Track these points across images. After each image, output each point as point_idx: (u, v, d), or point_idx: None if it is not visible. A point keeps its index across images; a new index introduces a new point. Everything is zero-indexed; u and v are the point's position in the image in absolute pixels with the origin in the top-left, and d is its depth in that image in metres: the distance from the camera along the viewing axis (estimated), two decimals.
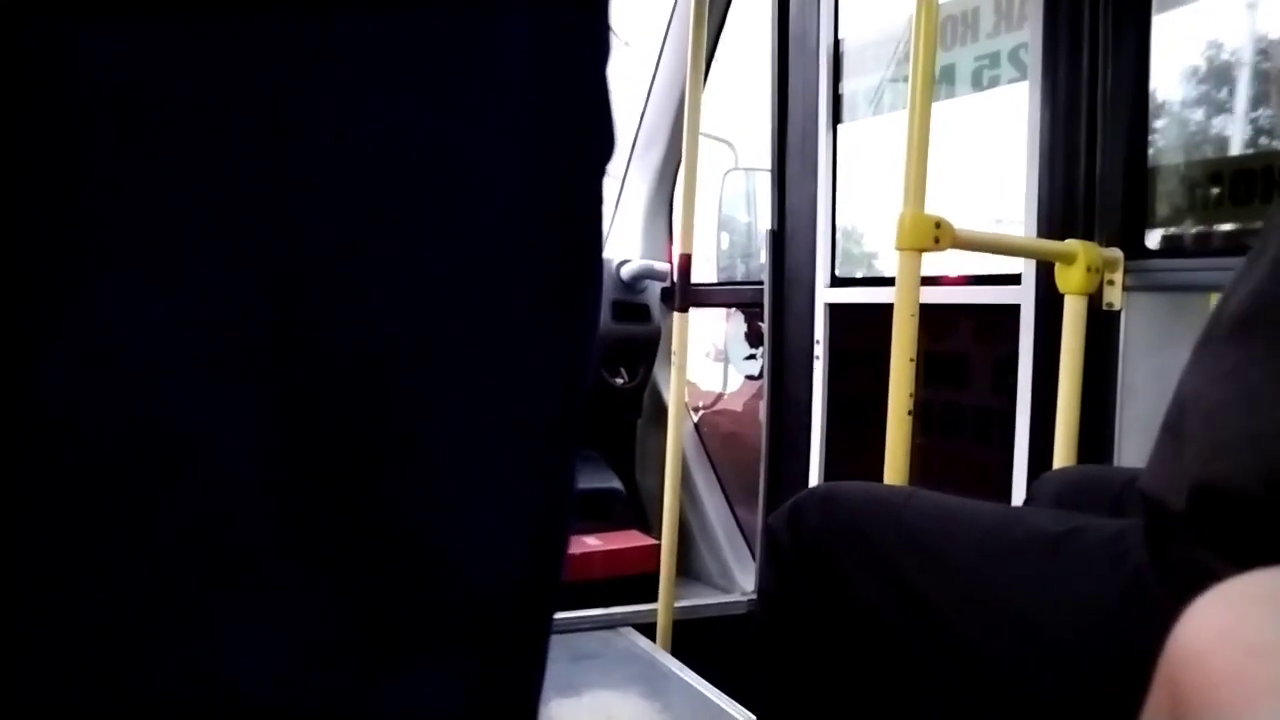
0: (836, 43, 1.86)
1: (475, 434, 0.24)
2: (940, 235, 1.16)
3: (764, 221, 2.08)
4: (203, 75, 0.20)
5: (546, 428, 0.26)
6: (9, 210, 0.19)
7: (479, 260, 0.24)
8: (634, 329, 2.21)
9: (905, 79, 1.29)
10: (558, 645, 0.30)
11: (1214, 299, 1.19)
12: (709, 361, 2.74)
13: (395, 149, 0.22)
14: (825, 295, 1.85)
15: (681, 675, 1.66)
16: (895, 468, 1.16)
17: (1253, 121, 1.29)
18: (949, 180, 1.48)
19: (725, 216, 2.40)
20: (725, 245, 2.43)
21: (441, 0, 0.22)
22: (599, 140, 0.27)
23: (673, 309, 1.91)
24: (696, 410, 2.51)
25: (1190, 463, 0.52)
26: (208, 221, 0.20)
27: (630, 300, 2.21)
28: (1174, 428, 0.55)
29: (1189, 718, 0.27)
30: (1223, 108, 1.31)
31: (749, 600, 2.03)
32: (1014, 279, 1.46)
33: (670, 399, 1.91)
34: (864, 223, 1.97)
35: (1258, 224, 1.24)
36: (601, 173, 0.27)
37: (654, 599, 1.87)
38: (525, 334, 0.25)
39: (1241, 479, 0.49)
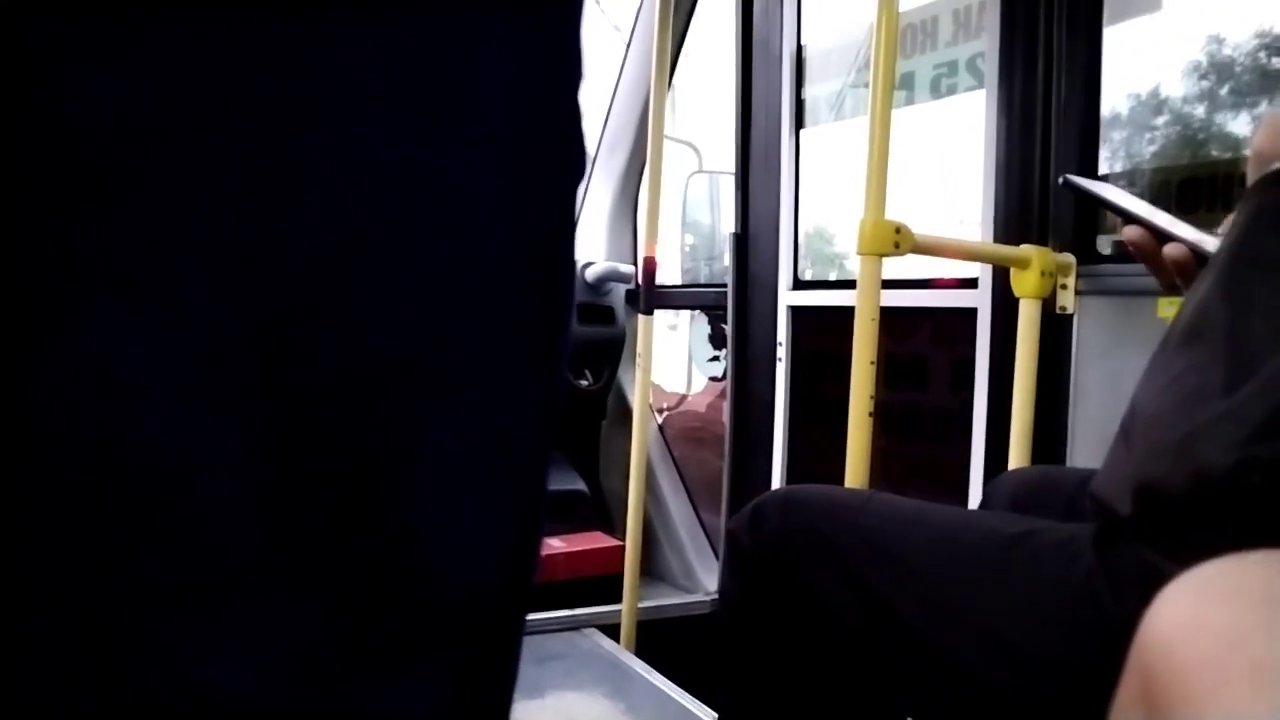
0: (799, 48, 1.88)
1: (457, 450, 0.25)
2: (900, 240, 1.18)
3: (727, 224, 2.09)
4: (191, 107, 0.20)
5: (524, 441, 0.27)
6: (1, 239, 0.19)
7: (458, 283, 0.24)
8: (599, 331, 2.22)
9: (866, 85, 1.32)
10: (522, 647, 0.31)
11: (1162, 303, 1.23)
12: (673, 363, 2.76)
13: (376, 177, 0.23)
14: (788, 298, 1.88)
15: (646, 676, 1.67)
16: (856, 469, 1.18)
17: (1201, 130, 1.33)
18: (909, 186, 1.51)
19: (689, 219, 2.42)
20: (689, 248, 2.45)
21: (421, 34, 0.23)
22: (570, 164, 0.28)
23: (638, 311, 1.92)
24: (661, 412, 2.52)
25: (1135, 466, 0.54)
26: (195, 250, 0.21)
27: (595, 303, 2.21)
28: (1126, 433, 0.58)
29: (1161, 704, 0.28)
30: (1176, 116, 1.35)
31: (712, 600, 2.05)
32: (971, 283, 1.49)
33: (635, 401, 1.92)
34: (835, 223, 1.99)
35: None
36: (573, 195, 0.28)
37: (618, 600, 1.88)
38: (503, 352, 0.26)
39: (1173, 479, 0.51)
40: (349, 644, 0.24)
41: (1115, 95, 1.37)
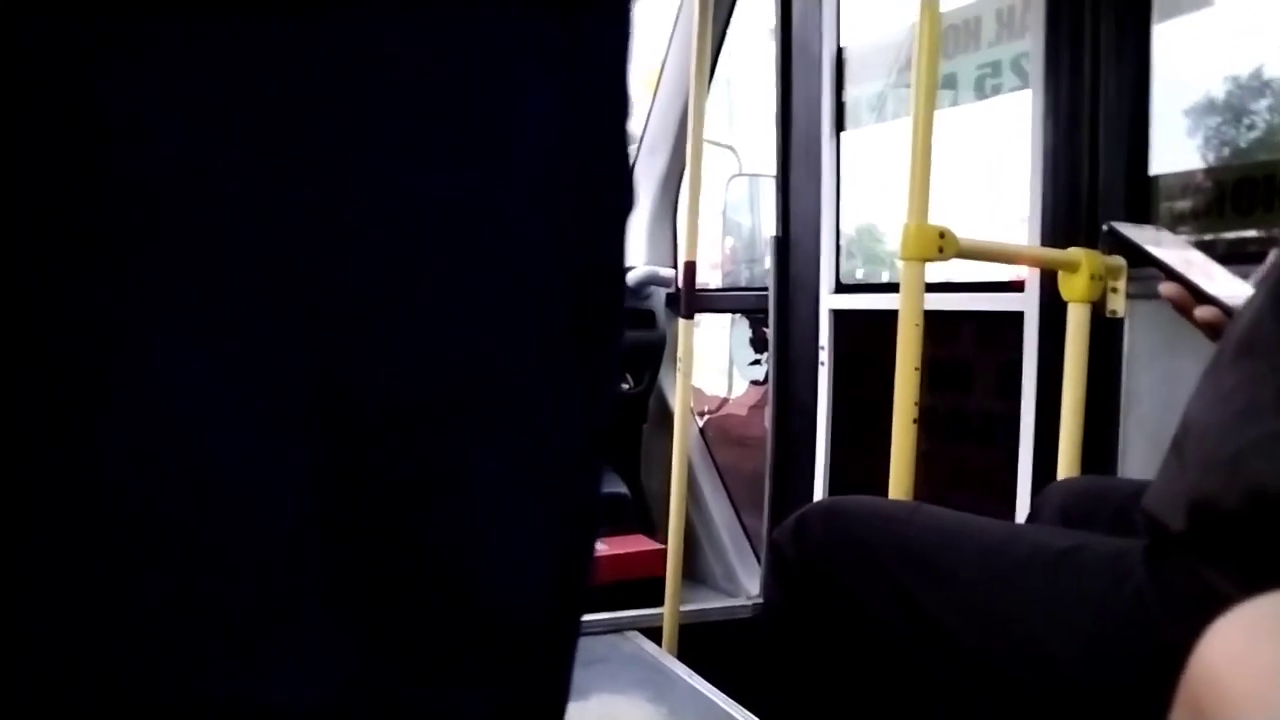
0: (839, 50, 1.87)
1: (508, 473, 0.25)
2: (945, 245, 1.17)
3: (767, 228, 2.09)
4: (250, 139, 0.21)
5: (573, 464, 0.28)
6: (63, 276, 0.20)
7: (506, 312, 0.25)
8: (639, 335, 2.22)
9: (908, 86, 1.30)
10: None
11: None
12: (714, 367, 2.75)
13: (424, 209, 0.23)
14: (830, 301, 1.86)
15: (688, 679, 1.67)
16: (900, 476, 1.17)
17: (1255, 129, 1.29)
18: (952, 188, 1.49)
19: (729, 223, 2.41)
20: (729, 251, 2.44)
21: (469, 68, 0.24)
22: (620, 194, 0.28)
23: (678, 315, 1.92)
24: (702, 415, 2.52)
25: (1188, 482, 0.54)
26: (254, 279, 0.21)
27: (635, 307, 2.22)
28: (1178, 448, 0.57)
29: None
30: (1232, 115, 1.32)
31: (754, 604, 2.04)
32: (1018, 286, 1.47)
33: (676, 404, 1.92)
34: (885, 222, 1.98)
35: (1254, 232, 1.25)
36: (623, 225, 0.29)
37: (660, 603, 1.88)
38: (553, 378, 0.26)
39: (1228, 496, 0.50)
40: (400, 664, 0.25)
41: (1211, 78, 1.31)
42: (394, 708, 0.25)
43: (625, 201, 0.29)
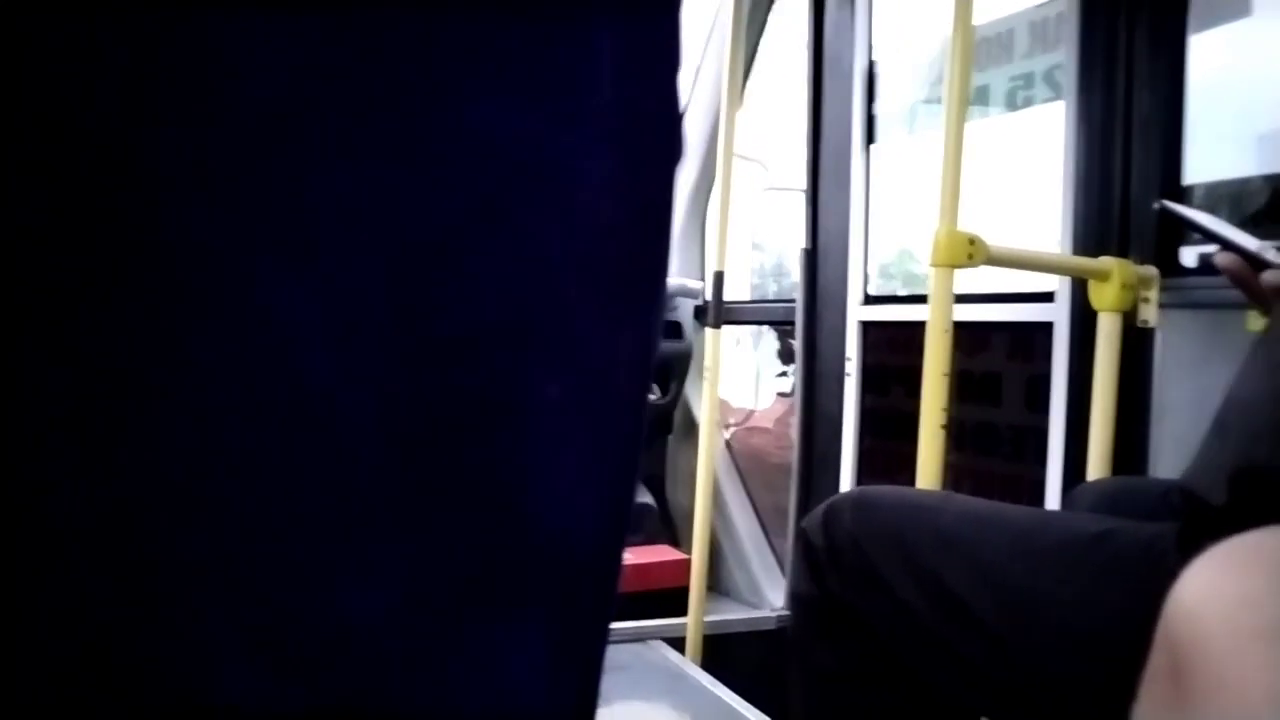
0: (871, 64, 1.88)
1: (562, 404, 0.27)
2: (974, 252, 1.17)
3: (795, 241, 2.10)
4: (339, 79, 0.23)
5: (623, 401, 0.29)
6: (184, 203, 0.22)
7: (568, 250, 0.26)
8: (666, 346, 2.23)
9: (939, 101, 1.31)
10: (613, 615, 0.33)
11: (1251, 316, 1.19)
12: (739, 378, 2.75)
13: (498, 152, 0.25)
14: (858, 313, 1.87)
15: (711, 689, 1.66)
16: (928, 480, 1.16)
17: None
18: (984, 197, 1.49)
19: (757, 236, 2.42)
20: (757, 264, 2.45)
21: (540, 17, 0.25)
22: (671, 143, 0.30)
23: (705, 325, 1.93)
24: (727, 428, 2.52)
25: (1231, 453, 0.54)
26: (339, 211, 0.23)
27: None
28: (1221, 425, 0.57)
29: (1185, 668, 0.28)
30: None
31: (779, 616, 2.03)
32: (1047, 296, 1.47)
33: (703, 415, 1.92)
34: (923, 246, 1.97)
35: None
36: (673, 173, 0.30)
37: (684, 613, 1.88)
38: (607, 318, 0.28)
39: (1275, 461, 0.50)
40: (460, 586, 0.26)
41: (1248, 87, 1.30)
42: (449, 633, 0.26)
43: (676, 147, 0.30)
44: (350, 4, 0.23)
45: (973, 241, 1.17)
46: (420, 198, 0.24)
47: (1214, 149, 1.36)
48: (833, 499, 0.78)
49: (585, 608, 0.30)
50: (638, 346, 0.30)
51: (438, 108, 0.24)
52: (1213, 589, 0.30)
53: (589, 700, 0.31)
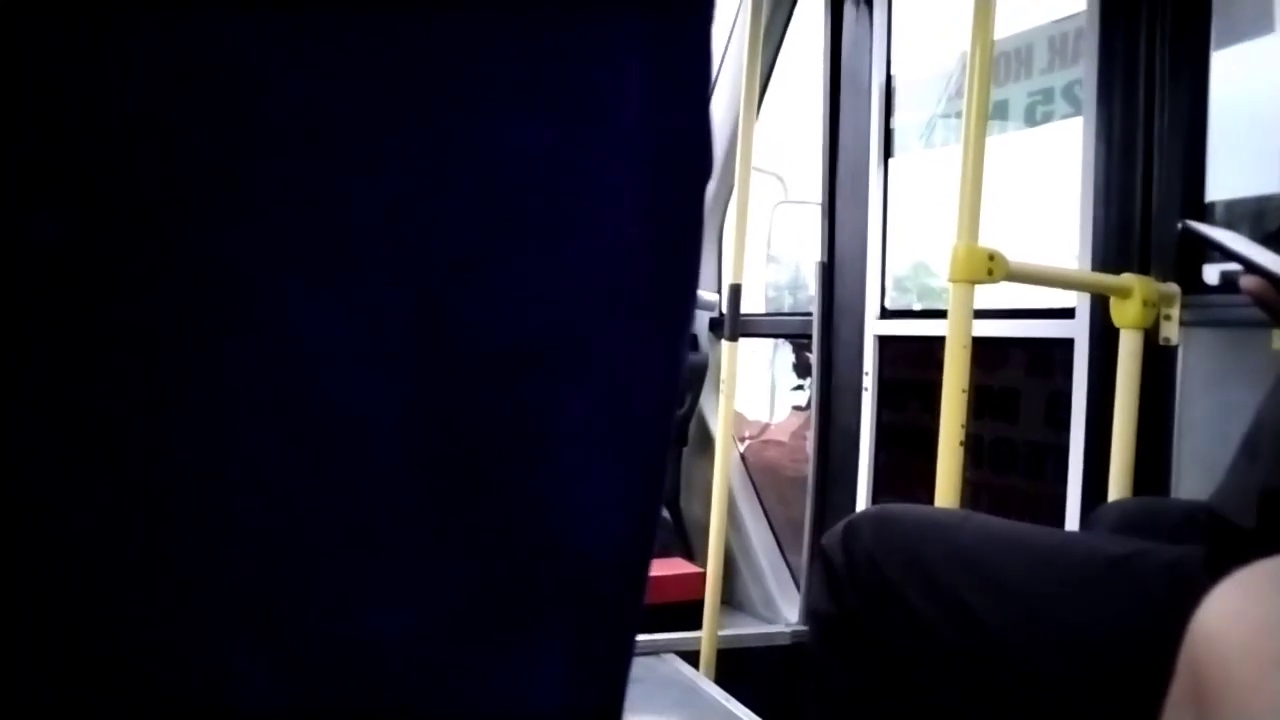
0: (889, 78, 1.88)
1: (592, 420, 0.27)
2: (994, 267, 1.17)
3: (811, 254, 2.09)
4: (369, 93, 0.23)
5: (649, 420, 0.29)
6: (210, 220, 0.22)
7: (600, 264, 0.26)
8: None
9: (957, 115, 1.31)
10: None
11: (1276, 335, 1.18)
12: (754, 391, 2.75)
13: (525, 169, 0.25)
14: (875, 327, 1.86)
15: (725, 703, 1.65)
16: (946, 498, 1.16)
17: None
18: (1003, 213, 1.49)
19: (773, 249, 2.42)
20: (772, 277, 2.45)
21: (571, 35, 0.25)
22: (701, 162, 0.30)
23: (721, 338, 1.93)
24: (742, 441, 2.51)
25: (1260, 477, 0.53)
26: (368, 229, 0.23)
27: None
28: (1250, 447, 0.56)
29: (1207, 693, 0.28)
30: None
31: (793, 631, 2.02)
32: (1068, 312, 1.46)
33: (718, 428, 1.92)
34: (939, 260, 1.96)
35: None
36: (702, 192, 0.30)
37: (698, 627, 1.87)
38: (634, 337, 0.28)
39: None
40: (485, 604, 0.26)
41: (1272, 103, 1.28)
42: (478, 648, 0.26)
43: (706, 165, 0.30)
44: (380, 19, 0.23)
45: (992, 257, 1.16)
46: (450, 216, 0.24)
47: (1237, 165, 1.35)
48: (852, 517, 0.77)
49: (609, 625, 0.30)
50: (665, 365, 0.29)
51: (468, 125, 0.24)
52: (1237, 613, 0.30)
53: (613, 718, 0.31)
